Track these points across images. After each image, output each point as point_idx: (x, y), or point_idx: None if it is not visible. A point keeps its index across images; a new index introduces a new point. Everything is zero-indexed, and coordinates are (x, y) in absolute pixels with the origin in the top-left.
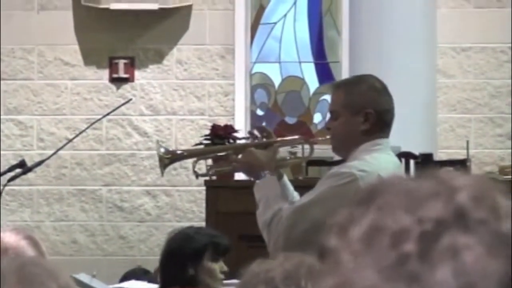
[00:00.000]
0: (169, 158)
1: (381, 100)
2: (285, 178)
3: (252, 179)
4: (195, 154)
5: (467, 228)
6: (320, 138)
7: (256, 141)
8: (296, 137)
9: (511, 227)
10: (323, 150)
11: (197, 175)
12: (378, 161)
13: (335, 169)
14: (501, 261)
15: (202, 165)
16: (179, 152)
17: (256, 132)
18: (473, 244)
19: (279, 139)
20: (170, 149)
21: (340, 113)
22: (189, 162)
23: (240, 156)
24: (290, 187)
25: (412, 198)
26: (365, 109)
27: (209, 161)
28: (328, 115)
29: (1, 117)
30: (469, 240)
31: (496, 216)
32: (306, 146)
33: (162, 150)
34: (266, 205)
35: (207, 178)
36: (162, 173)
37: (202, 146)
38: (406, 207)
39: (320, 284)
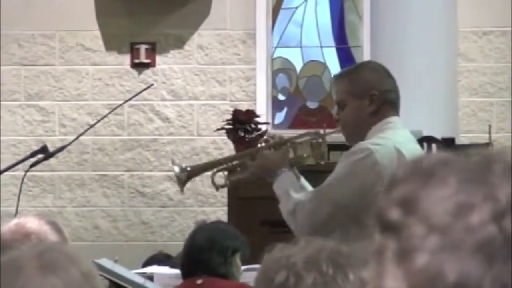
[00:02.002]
0: (185, 175)
1: (383, 81)
2: (303, 179)
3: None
4: (210, 166)
5: None
6: (330, 130)
7: (268, 143)
8: (305, 132)
9: None
10: None
11: (217, 187)
12: (392, 135)
13: (351, 149)
14: None
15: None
16: (194, 167)
17: (269, 138)
18: None
19: (289, 136)
20: (183, 166)
21: (346, 101)
22: (211, 147)
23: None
24: (309, 187)
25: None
26: (369, 92)
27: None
28: None
29: (23, 103)
30: None
31: None
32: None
33: (177, 169)
34: (287, 196)
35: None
36: (182, 190)
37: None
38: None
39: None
